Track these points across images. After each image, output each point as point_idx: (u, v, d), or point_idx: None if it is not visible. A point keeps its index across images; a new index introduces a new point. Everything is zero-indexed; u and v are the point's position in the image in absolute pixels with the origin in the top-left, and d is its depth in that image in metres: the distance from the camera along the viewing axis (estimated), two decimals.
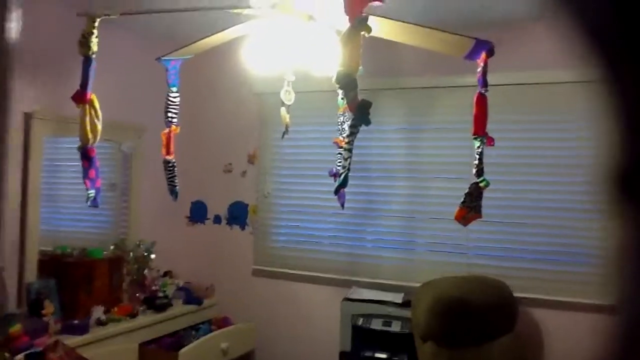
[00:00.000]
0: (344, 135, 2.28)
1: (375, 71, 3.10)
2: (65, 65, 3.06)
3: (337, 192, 2.03)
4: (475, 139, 2.14)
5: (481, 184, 2.14)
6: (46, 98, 3.32)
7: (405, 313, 3.37)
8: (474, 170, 2.16)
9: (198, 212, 4.49)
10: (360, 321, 3.47)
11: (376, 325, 3.43)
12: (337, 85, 1.72)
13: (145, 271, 3.87)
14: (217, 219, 4.42)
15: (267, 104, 4.13)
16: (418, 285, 3.40)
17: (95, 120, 2.13)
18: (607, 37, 0.43)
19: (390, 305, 3.47)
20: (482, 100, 2.14)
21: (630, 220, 0.43)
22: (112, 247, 3.81)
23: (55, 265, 3.38)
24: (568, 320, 3.34)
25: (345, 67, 1.71)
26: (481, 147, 2.14)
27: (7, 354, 2.62)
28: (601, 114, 0.44)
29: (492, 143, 2.12)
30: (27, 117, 3.22)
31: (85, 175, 2.17)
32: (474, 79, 2.25)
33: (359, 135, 2.83)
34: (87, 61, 2.24)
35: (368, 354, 3.42)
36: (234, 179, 4.35)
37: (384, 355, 3.38)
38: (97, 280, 3.47)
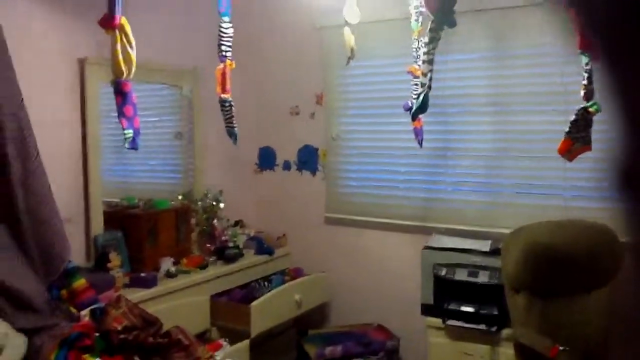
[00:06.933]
0: (421, 57, 1.94)
1: None
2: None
3: (414, 117, 1.73)
4: (582, 54, 1.75)
5: (591, 109, 1.75)
6: (101, 42, 3.14)
7: (493, 262, 3.05)
8: (582, 93, 1.77)
9: (267, 159, 4.29)
10: (444, 271, 3.17)
11: (461, 275, 3.13)
12: None
13: (215, 221, 3.72)
14: (287, 165, 4.20)
15: (332, 38, 3.78)
16: (506, 231, 3.05)
17: (129, 49, 1.89)
18: (612, 34, 0.43)
19: (475, 254, 3.15)
20: None
21: (634, 215, 0.44)
22: (179, 197, 3.68)
23: (122, 217, 3.28)
24: None
25: None
26: (590, 64, 1.75)
27: (72, 309, 2.53)
28: (609, 107, 0.44)
29: None
30: (81, 63, 3.07)
31: (121, 113, 1.94)
32: None
33: (435, 67, 2.47)
34: None
35: (453, 306, 3.14)
36: (302, 121, 4.09)
37: (470, 309, 3.09)
38: (164, 232, 3.35)
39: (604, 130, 2.45)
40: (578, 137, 1.81)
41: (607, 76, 0.44)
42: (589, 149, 1.86)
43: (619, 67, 0.43)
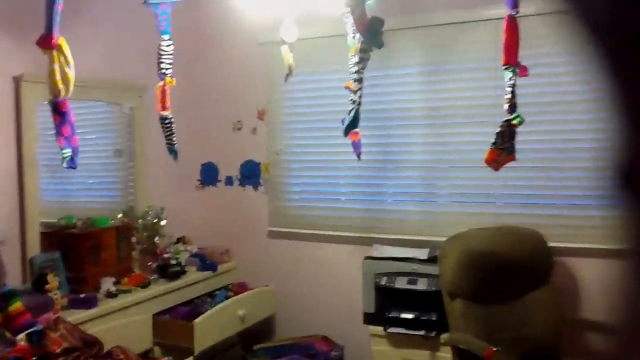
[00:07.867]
0: (352, 76, 2.02)
1: (388, 9, 2.81)
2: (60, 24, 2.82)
3: (346, 133, 1.80)
4: (506, 69, 1.87)
5: (514, 121, 1.87)
6: (37, 60, 3.08)
7: (431, 269, 3.15)
8: (506, 106, 1.89)
9: (209, 175, 4.29)
10: (384, 280, 3.26)
11: (401, 283, 3.22)
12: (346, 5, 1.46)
13: (157, 239, 3.68)
14: (229, 180, 4.21)
15: (273, 54, 3.84)
16: (443, 239, 3.16)
17: (66, 68, 1.89)
18: (609, 32, 0.42)
19: (414, 262, 3.25)
20: (512, 25, 1.86)
21: (631, 214, 0.43)
22: (120, 215, 3.63)
23: (60, 237, 3.20)
24: (608, 269, 3.08)
25: None
26: (513, 78, 1.87)
27: (8, 334, 2.46)
28: (605, 107, 0.44)
29: (525, 73, 1.85)
30: (17, 81, 3.01)
31: (58, 132, 1.93)
32: (499, 11, 1.98)
33: (373, 82, 2.56)
34: None
35: (393, 314, 3.22)
36: (245, 137, 4.12)
37: (410, 315, 3.18)
38: (104, 251, 3.29)
39: (526, 140, 2.60)
40: (503, 147, 1.93)
41: (606, 75, 0.43)
42: (513, 158, 1.98)
43: (620, 67, 0.43)
